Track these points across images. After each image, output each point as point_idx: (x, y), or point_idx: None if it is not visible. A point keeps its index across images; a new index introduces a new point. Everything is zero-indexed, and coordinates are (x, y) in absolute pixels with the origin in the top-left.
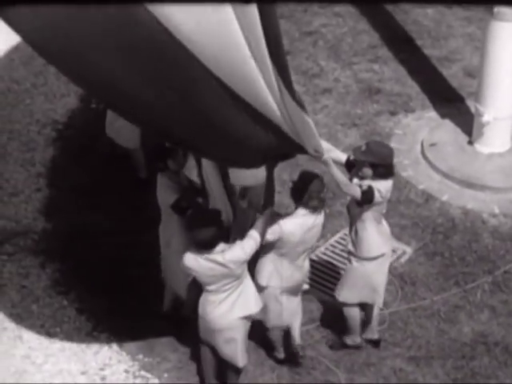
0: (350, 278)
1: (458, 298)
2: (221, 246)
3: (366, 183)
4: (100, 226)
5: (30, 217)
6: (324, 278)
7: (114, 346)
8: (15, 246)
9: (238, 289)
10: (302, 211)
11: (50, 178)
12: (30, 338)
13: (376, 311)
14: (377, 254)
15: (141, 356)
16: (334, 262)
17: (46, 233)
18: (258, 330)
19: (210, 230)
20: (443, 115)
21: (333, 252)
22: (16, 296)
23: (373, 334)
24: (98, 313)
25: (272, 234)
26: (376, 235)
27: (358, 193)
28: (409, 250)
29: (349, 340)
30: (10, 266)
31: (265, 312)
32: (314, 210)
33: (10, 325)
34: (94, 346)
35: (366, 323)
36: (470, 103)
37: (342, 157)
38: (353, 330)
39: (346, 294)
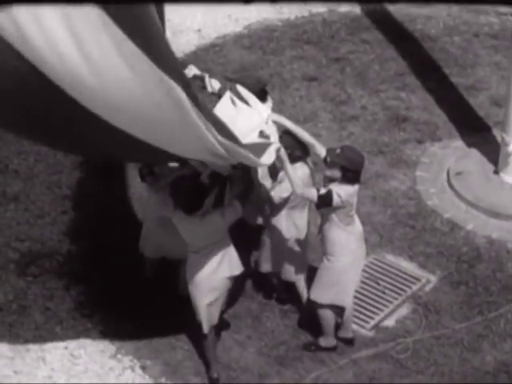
0: (320, 277)
1: (482, 327)
2: (207, 209)
3: (332, 185)
4: (126, 248)
5: (56, 239)
6: None
7: (137, 369)
8: (40, 267)
9: (222, 251)
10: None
11: (75, 201)
12: (53, 359)
13: (349, 311)
14: (343, 254)
15: (163, 379)
16: (359, 290)
17: (71, 255)
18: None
19: (189, 194)
20: (470, 144)
21: None
22: (40, 317)
23: (347, 332)
24: (122, 335)
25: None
26: (343, 236)
27: (313, 195)
28: (433, 279)
29: (323, 342)
30: (34, 287)
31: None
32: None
33: (34, 346)
34: (117, 369)
35: (340, 323)
36: (497, 132)
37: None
38: (327, 332)
39: (317, 293)
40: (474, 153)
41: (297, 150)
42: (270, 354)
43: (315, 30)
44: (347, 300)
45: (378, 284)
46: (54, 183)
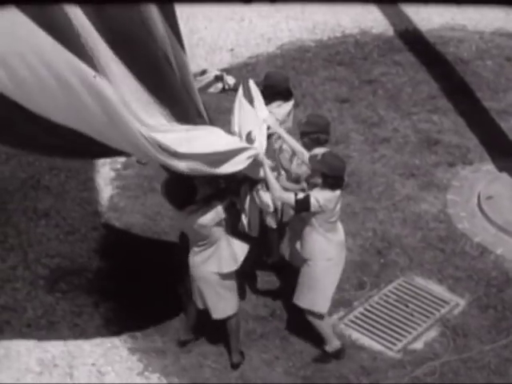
0: (300, 281)
1: (509, 352)
2: (192, 208)
3: (313, 191)
4: (155, 265)
5: (85, 255)
6: (376, 327)
7: None
8: (69, 284)
9: (212, 247)
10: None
11: (106, 218)
12: (81, 375)
13: (327, 321)
14: (321, 259)
15: None
16: (387, 312)
17: (101, 272)
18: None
19: (176, 193)
20: (501, 168)
21: (386, 301)
22: (68, 334)
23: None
24: (150, 353)
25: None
26: (322, 241)
27: (291, 200)
28: (462, 303)
29: (328, 348)
30: (63, 303)
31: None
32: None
33: (62, 362)
34: None
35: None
36: None
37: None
38: (326, 337)
39: (298, 296)
40: (505, 177)
41: (323, 134)
42: (298, 374)
43: (348, 51)
44: (324, 307)
45: (407, 306)
46: (84, 200)
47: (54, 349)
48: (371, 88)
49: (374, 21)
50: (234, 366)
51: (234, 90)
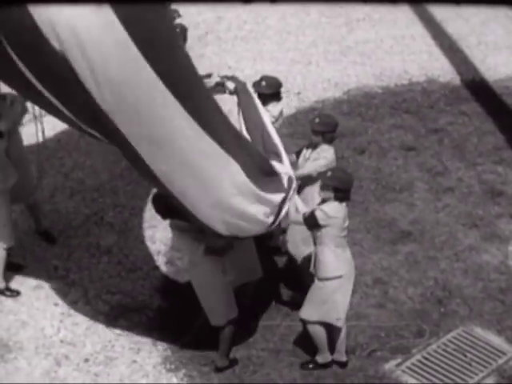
0: (310, 297)
1: None
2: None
3: (320, 206)
4: None
5: (147, 293)
6: (433, 375)
7: None
8: (129, 321)
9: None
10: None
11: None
12: None
13: (342, 334)
14: (333, 275)
15: None
16: (445, 360)
17: (161, 310)
18: None
19: (160, 204)
20: None
21: (444, 350)
22: (126, 370)
23: (341, 356)
24: None
25: None
26: (333, 257)
27: (300, 219)
28: None
29: (320, 358)
30: (122, 340)
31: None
32: None
33: None
34: None
35: (332, 344)
36: None
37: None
38: (320, 348)
39: (307, 311)
40: None
41: (335, 133)
42: None
43: (414, 99)
44: (337, 318)
45: (465, 356)
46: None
47: None
48: (437, 137)
49: (441, 69)
50: (218, 370)
51: (236, 94)
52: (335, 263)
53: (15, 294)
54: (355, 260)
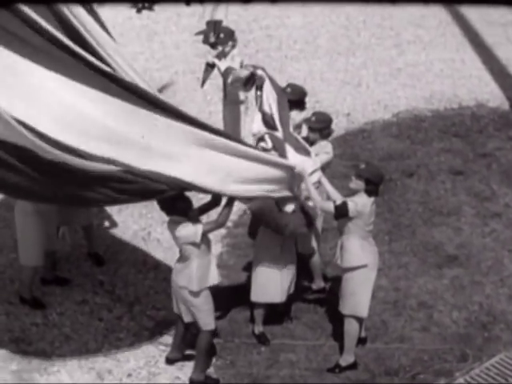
0: (341, 290)
1: None
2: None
3: (350, 198)
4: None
5: None
6: None
7: None
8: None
9: (184, 263)
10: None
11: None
12: None
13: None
14: (357, 265)
15: None
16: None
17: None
18: None
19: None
20: None
21: (487, 375)
22: None
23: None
24: None
25: None
26: (358, 247)
27: (331, 208)
28: None
29: (342, 361)
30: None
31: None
32: None
33: None
34: None
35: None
36: None
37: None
38: (348, 347)
39: (341, 304)
40: None
41: (330, 129)
42: None
43: (463, 123)
44: (362, 311)
45: (507, 381)
46: None
47: None
48: (485, 162)
49: (491, 93)
50: (192, 382)
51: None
52: (360, 252)
53: (40, 306)
54: (401, 283)
